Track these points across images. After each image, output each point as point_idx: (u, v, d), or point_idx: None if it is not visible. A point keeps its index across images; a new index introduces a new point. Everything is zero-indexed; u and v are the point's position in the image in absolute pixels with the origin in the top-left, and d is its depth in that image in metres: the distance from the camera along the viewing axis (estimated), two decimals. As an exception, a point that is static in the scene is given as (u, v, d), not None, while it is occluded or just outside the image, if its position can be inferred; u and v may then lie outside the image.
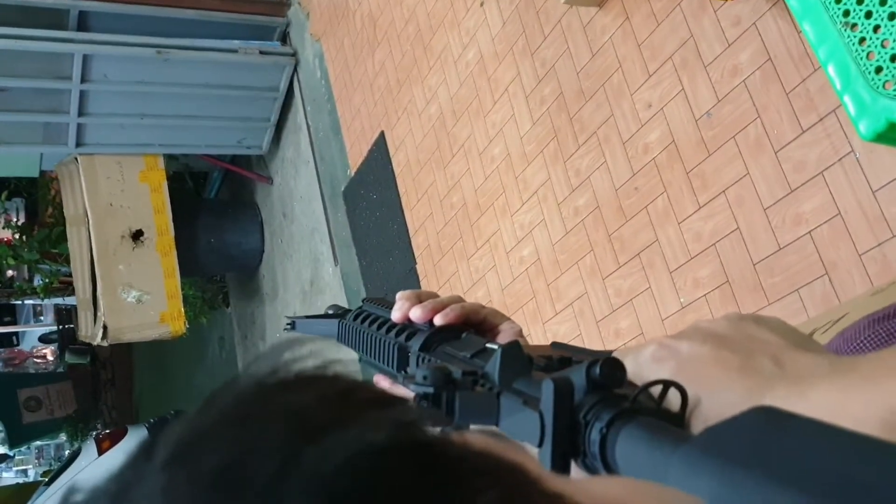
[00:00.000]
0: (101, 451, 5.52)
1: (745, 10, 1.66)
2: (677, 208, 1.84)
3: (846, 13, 0.94)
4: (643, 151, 1.93)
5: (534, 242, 2.34)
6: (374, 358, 0.61)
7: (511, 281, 2.44)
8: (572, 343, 0.52)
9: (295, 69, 4.15)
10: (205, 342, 6.57)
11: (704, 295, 1.78)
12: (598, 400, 0.39)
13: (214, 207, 5.20)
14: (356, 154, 3.60)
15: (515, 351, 0.45)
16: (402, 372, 0.56)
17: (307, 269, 4.21)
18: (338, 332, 0.68)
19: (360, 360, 0.65)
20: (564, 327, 2.21)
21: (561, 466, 0.40)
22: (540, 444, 0.40)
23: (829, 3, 0.91)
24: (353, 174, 3.64)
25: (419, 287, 2.95)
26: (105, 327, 4.18)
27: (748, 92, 1.66)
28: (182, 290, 4.46)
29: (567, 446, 0.40)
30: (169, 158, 4.49)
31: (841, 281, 1.48)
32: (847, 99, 0.87)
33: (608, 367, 0.39)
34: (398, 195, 3.19)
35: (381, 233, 3.37)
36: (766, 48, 1.62)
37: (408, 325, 0.59)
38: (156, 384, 8.81)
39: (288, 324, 0.75)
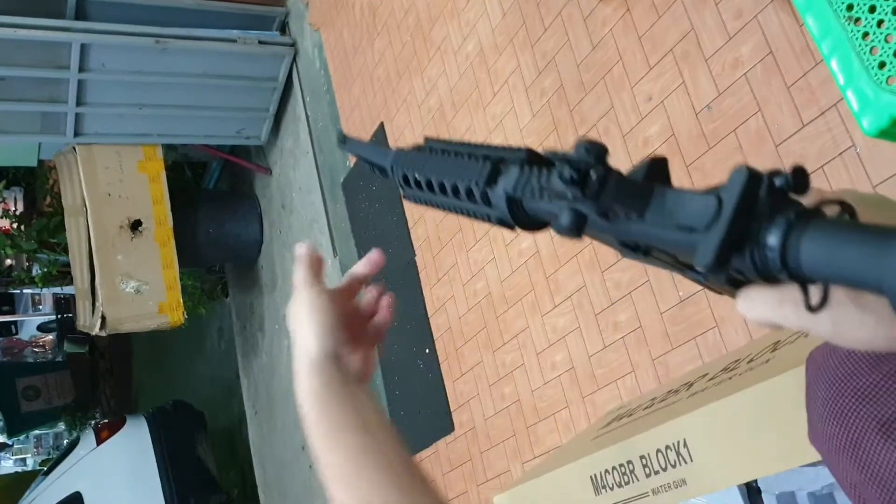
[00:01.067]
0: (99, 441, 5.54)
1: (746, 3, 1.66)
2: (677, 201, 1.84)
3: (850, 7, 0.93)
4: (643, 144, 1.93)
5: (532, 235, 2.33)
6: (454, 178, 0.62)
7: (510, 273, 2.44)
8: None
9: (294, 59, 4.13)
10: (203, 333, 6.58)
11: (703, 289, 1.78)
12: (780, 200, 0.38)
13: (213, 198, 5.19)
14: (355, 145, 3.59)
15: (663, 163, 0.47)
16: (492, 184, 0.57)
17: (306, 260, 4.20)
18: (396, 159, 0.68)
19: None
20: (563, 320, 2.21)
21: (723, 257, 0.38)
22: (707, 228, 0.39)
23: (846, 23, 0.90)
24: (352, 165, 3.63)
25: (419, 281, 2.96)
26: (103, 317, 4.18)
27: (749, 85, 1.65)
28: (181, 280, 4.46)
29: (738, 235, 0.38)
30: (167, 148, 4.48)
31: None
32: (850, 94, 0.87)
33: (800, 174, 0.38)
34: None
35: (381, 224, 3.37)
36: (767, 41, 1.62)
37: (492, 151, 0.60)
38: (154, 374, 8.82)
39: (340, 140, 0.76)
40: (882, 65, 0.83)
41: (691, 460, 1.14)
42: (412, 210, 3.08)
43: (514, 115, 2.43)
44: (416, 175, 0.66)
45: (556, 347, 2.25)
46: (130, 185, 4.19)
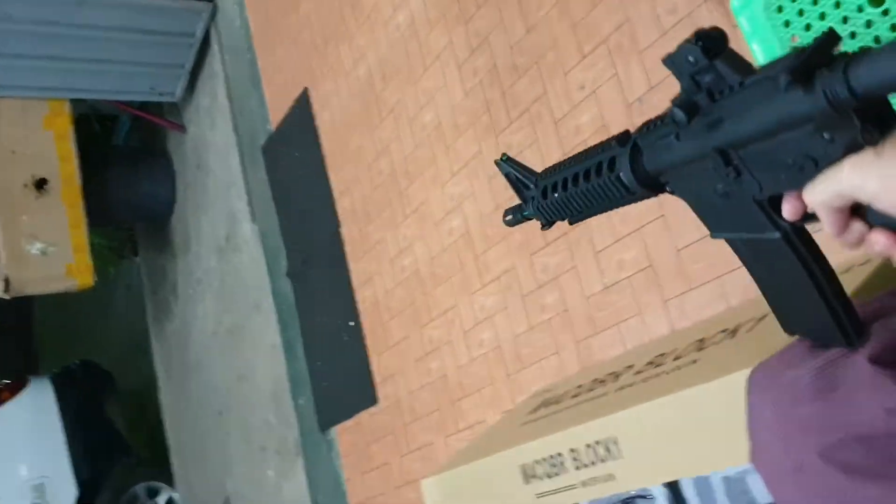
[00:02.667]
0: (-1, 403, 5.32)
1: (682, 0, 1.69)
2: (607, 191, 1.88)
3: (779, 9, 0.97)
4: (575, 132, 1.96)
5: (463, 214, 2.35)
6: (585, 164, 0.76)
7: (440, 251, 2.45)
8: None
9: (213, 15, 3.98)
10: (111, 291, 6.36)
11: (628, 277, 1.84)
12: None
13: (124, 155, 4.99)
14: (277, 109, 3.51)
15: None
16: None
17: (223, 224, 4.11)
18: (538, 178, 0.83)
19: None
20: (491, 300, 2.25)
21: (806, 67, 0.51)
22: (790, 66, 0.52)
23: (780, 28, 0.93)
24: (273, 130, 3.55)
25: (344, 253, 2.94)
26: (7, 280, 4.00)
27: (680, 82, 1.69)
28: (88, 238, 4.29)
29: (816, 60, 0.51)
30: (74, 101, 4.26)
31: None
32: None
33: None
34: (322, 156, 3.14)
35: (304, 193, 3.31)
36: (699, 40, 1.65)
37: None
38: (58, 332, 8.50)
39: (503, 158, 0.88)
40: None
41: (621, 457, 1.19)
42: (338, 181, 3.04)
43: (446, 93, 2.42)
44: (554, 180, 0.79)
45: (483, 326, 2.29)
46: (35, 142, 3.98)
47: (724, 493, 1.46)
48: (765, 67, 0.55)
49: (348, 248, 2.98)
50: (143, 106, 4.63)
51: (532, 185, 0.83)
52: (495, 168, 2.32)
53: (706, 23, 1.62)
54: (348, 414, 3.02)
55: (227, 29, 3.94)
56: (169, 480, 4.96)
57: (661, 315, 1.76)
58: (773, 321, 1.18)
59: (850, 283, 1.10)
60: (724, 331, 1.30)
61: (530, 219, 0.88)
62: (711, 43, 0.58)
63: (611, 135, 1.82)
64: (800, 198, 0.59)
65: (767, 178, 0.60)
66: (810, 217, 0.60)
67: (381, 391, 2.80)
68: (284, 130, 3.45)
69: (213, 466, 4.39)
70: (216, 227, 4.19)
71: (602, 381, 1.51)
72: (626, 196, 0.74)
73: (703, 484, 1.54)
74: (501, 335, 2.22)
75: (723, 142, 0.61)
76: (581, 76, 1.94)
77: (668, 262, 1.74)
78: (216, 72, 4.04)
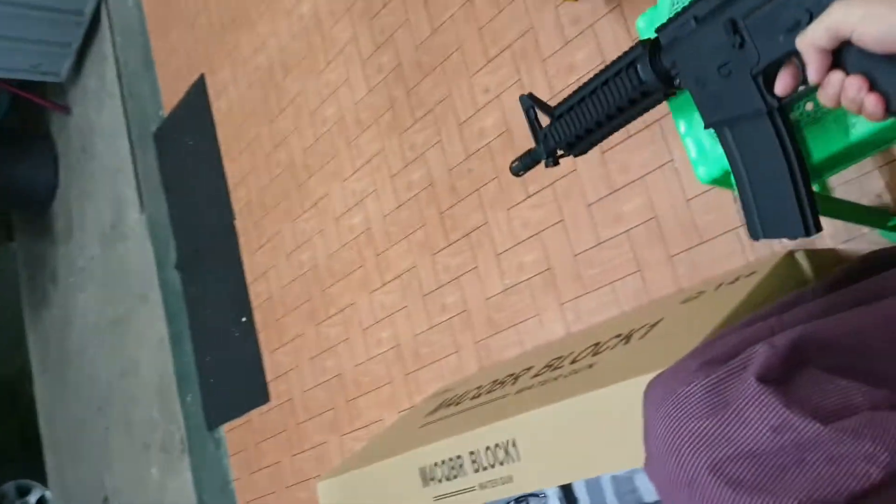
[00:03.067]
0: None
1: (585, 10, 1.73)
2: (508, 195, 1.91)
3: None
4: (479, 135, 1.98)
5: (365, 211, 2.33)
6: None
7: (339, 247, 2.43)
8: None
9: (103, -7, 3.79)
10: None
11: (527, 279, 1.87)
12: None
13: (1, 136, 4.68)
14: (171, 94, 3.38)
15: None
16: None
17: (108, 211, 3.93)
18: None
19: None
20: (391, 298, 2.24)
21: None
22: None
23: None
24: (166, 115, 3.41)
25: (237, 246, 2.87)
26: None
27: (582, 91, 1.73)
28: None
29: None
30: (-53, 76, 3.97)
31: (652, 279, 1.61)
32: (689, 143, 0.94)
33: None
34: (217, 144, 3.04)
35: (197, 182, 3.21)
36: (601, 51, 1.70)
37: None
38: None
39: (527, 94, 1.03)
40: (720, 119, 0.89)
41: (519, 459, 1.22)
42: (233, 171, 2.96)
43: (349, 87, 2.39)
44: (577, 96, 0.94)
45: (382, 324, 2.28)
46: None
47: (612, 492, 1.51)
48: None
49: (242, 241, 2.90)
50: (24, 85, 4.37)
51: (551, 116, 0.97)
52: (399, 165, 2.32)
53: (608, 35, 1.67)
54: (238, 411, 2.94)
55: (119, 9, 3.76)
56: (42, 478, 4.71)
57: (558, 317, 1.81)
58: (664, 328, 1.23)
59: (736, 294, 1.16)
60: (618, 336, 1.34)
61: (538, 160, 1.02)
62: None
63: (514, 140, 1.84)
64: (792, 72, 0.69)
65: (767, 44, 0.71)
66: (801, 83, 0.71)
67: (274, 389, 2.75)
68: (178, 117, 3.33)
69: (90, 464, 4.20)
70: (101, 214, 4.00)
71: (501, 383, 1.54)
72: (640, 97, 0.87)
73: (593, 482, 1.59)
74: (401, 334, 2.22)
75: (738, 10, 0.72)
76: (486, 79, 1.96)
77: (565, 267, 1.78)
78: (105, 53, 3.85)
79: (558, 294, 1.80)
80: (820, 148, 0.80)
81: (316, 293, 2.54)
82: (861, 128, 0.77)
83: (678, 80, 0.83)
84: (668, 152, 1.57)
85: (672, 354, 1.01)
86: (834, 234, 1.33)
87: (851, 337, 0.79)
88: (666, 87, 0.85)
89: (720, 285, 1.30)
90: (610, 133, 0.96)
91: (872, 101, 0.63)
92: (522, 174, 1.07)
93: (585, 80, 1.71)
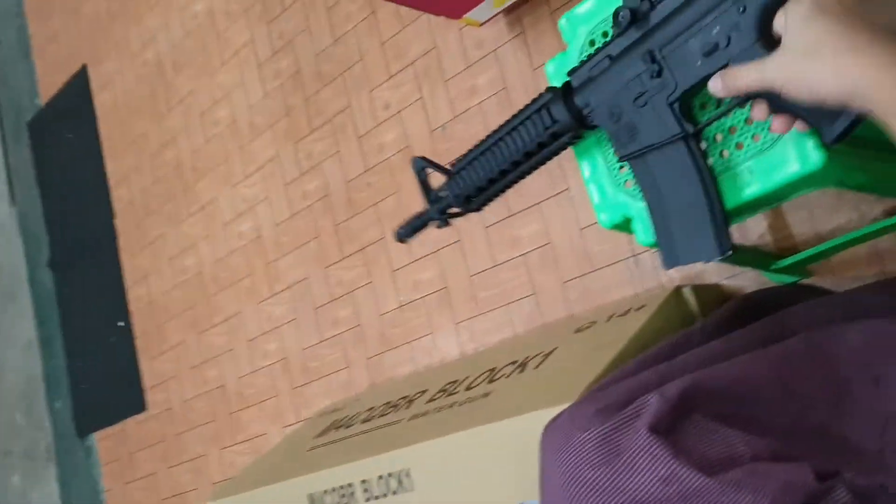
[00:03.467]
0: None
1: (488, 35, 1.74)
2: (407, 211, 1.89)
3: None
4: (378, 149, 1.96)
5: (255, 218, 2.27)
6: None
7: (227, 254, 2.35)
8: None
9: (-26, -33, 3.53)
10: None
11: (422, 297, 1.87)
12: None
13: None
14: (49, 84, 3.19)
15: None
16: None
17: (-27, 201, 3.66)
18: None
19: None
20: (280, 310, 2.19)
21: None
22: None
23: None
24: (42, 105, 3.21)
25: (116, 247, 2.73)
26: None
27: (483, 115, 1.75)
28: None
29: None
30: None
31: (545, 303, 1.64)
32: (592, 188, 0.96)
33: None
34: (99, 139, 2.89)
35: (75, 177, 3.03)
36: (503, 76, 1.72)
37: None
38: None
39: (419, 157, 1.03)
40: (622, 167, 0.92)
41: (413, 489, 1.21)
42: (115, 168, 2.82)
43: (244, 91, 2.32)
44: (484, 145, 0.95)
45: (269, 336, 2.23)
46: None
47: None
48: None
49: (122, 242, 2.77)
50: None
51: (448, 174, 0.97)
52: (295, 173, 2.28)
53: (511, 60, 1.70)
54: (112, 420, 2.81)
55: (-8, -15, 3.51)
56: None
57: (452, 336, 1.81)
58: (558, 358, 1.26)
59: (626, 329, 1.20)
60: (513, 363, 1.36)
61: (429, 222, 1.02)
62: None
63: (413, 155, 1.85)
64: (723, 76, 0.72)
65: (685, 71, 0.75)
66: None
67: (151, 397, 2.64)
68: (56, 107, 3.14)
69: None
70: (-36, 205, 3.72)
71: (394, 406, 1.53)
72: (549, 140, 0.88)
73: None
74: (288, 347, 2.17)
75: (656, 42, 0.76)
76: (387, 94, 1.94)
77: (461, 287, 1.79)
78: (-25, 31, 3.58)
79: (453, 313, 1.81)
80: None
81: (200, 300, 2.45)
82: (752, 189, 0.81)
83: (591, 119, 0.86)
84: (564, 181, 1.61)
85: (566, 390, 1.03)
86: (718, 271, 1.39)
87: (740, 384, 0.83)
88: (578, 127, 0.87)
89: (611, 316, 1.34)
90: (512, 183, 0.96)
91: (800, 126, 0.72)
92: (407, 241, 1.06)
93: (486, 102, 1.74)
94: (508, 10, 1.67)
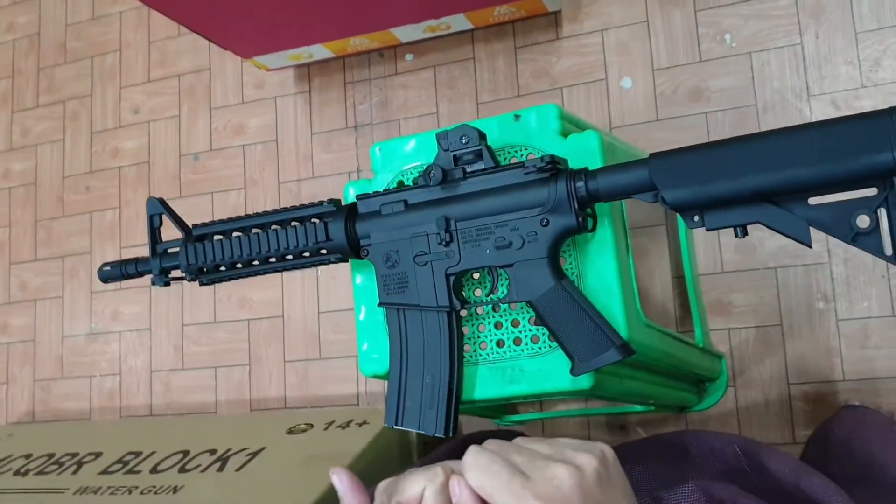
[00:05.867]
0: None
1: (272, 80, 1.63)
2: (126, 233, 1.69)
3: None
4: (112, 154, 1.73)
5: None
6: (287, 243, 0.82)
7: None
8: None
9: None
10: None
11: (120, 331, 1.67)
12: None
13: None
14: None
15: None
16: None
17: None
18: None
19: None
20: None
21: (553, 171, 0.71)
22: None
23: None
24: None
25: None
26: None
27: (245, 158, 1.62)
28: None
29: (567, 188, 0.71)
30: None
31: (260, 375, 1.54)
32: (364, 334, 0.90)
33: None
34: None
35: None
36: (277, 127, 1.61)
37: None
38: None
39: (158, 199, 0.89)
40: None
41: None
42: None
43: (-40, 30, 1.94)
44: (240, 224, 0.84)
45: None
46: None
47: None
48: (515, 164, 0.72)
49: None
50: None
51: (186, 232, 0.86)
52: (2, 146, 1.93)
53: (289, 114, 1.59)
54: None
55: None
56: None
57: (144, 384, 1.64)
58: (265, 464, 1.17)
59: (346, 449, 1.15)
60: (211, 452, 1.24)
61: (145, 275, 0.88)
62: (480, 133, 0.74)
63: (152, 178, 1.65)
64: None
65: (473, 252, 0.74)
66: None
67: None
68: None
69: None
70: None
71: (58, 464, 1.32)
72: (315, 253, 0.81)
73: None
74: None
75: (456, 212, 0.74)
76: (139, 98, 1.73)
77: (169, 332, 1.63)
78: None
79: (152, 359, 1.63)
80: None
81: None
82: (518, 387, 0.81)
83: (366, 253, 0.81)
84: (312, 257, 1.53)
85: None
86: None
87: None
88: (350, 254, 0.81)
89: (331, 424, 1.28)
90: (257, 274, 0.87)
91: None
92: (111, 282, 0.92)
93: (252, 148, 1.61)
94: (300, 66, 1.57)
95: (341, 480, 0.51)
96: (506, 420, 1.19)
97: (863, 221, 0.62)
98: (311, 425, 1.29)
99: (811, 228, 0.63)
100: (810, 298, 1.20)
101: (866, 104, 1.22)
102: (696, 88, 1.32)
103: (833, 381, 1.17)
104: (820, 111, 1.24)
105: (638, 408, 1.15)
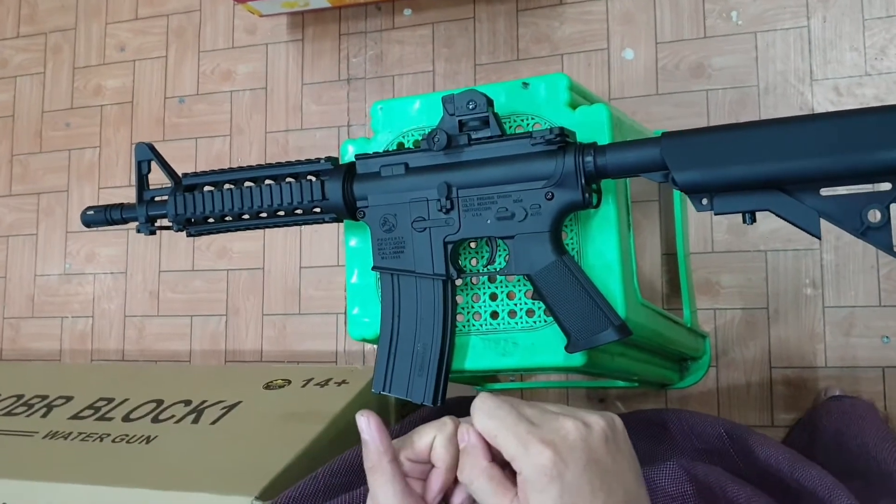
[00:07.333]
0: None
1: (264, 26, 1.58)
2: (106, 174, 1.65)
3: None
4: (94, 91, 1.68)
5: None
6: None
7: None
8: None
9: None
10: None
11: (94, 273, 1.63)
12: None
13: None
14: None
15: None
16: None
17: None
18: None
19: None
20: None
21: (561, 143, 0.68)
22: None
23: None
24: None
25: None
26: None
27: (232, 105, 1.58)
28: None
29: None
30: None
31: (236, 326, 1.52)
32: (355, 297, 0.88)
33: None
34: None
35: None
36: (267, 75, 1.57)
37: None
38: None
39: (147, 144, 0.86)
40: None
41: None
42: None
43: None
44: (234, 176, 0.81)
45: None
46: None
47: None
48: (522, 133, 0.70)
49: None
50: None
51: (175, 181, 0.83)
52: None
53: (280, 63, 1.55)
54: None
55: None
56: None
57: (118, 327, 1.61)
58: (241, 418, 1.15)
59: (324, 409, 1.14)
60: (186, 403, 1.23)
61: (130, 222, 0.86)
62: (488, 99, 0.71)
63: (135, 118, 1.61)
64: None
65: (473, 221, 0.72)
66: None
67: None
68: None
69: None
70: None
71: (28, 405, 1.30)
72: (308, 212, 0.79)
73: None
74: None
75: (458, 179, 0.72)
76: (125, 36, 1.67)
77: (144, 278, 1.60)
78: None
79: (127, 304, 1.61)
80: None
81: None
82: (511, 360, 0.80)
83: (362, 215, 0.79)
84: (297, 210, 1.51)
85: (248, 479, 0.94)
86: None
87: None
88: (345, 215, 0.79)
89: (308, 381, 1.27)
90: (247, 229, 0.85)
91: None
92: (94, 228, 0.89)
93: (240, 94, 1.57)
94: (294, 13, 1.52)
95: (369, 424, 0.49)
96: (487, 388, 1.18)
97: (874, 216, 0.61)
98: (289, 381, 1.28)
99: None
100: (798, 284, 1.20)
101: (869, 92, 1.21)
102: (698, 65, 1.30)
103: (815, 367, 1.18)
104: (822, 96, 1.23)
105: (620, 383, 1.15)
